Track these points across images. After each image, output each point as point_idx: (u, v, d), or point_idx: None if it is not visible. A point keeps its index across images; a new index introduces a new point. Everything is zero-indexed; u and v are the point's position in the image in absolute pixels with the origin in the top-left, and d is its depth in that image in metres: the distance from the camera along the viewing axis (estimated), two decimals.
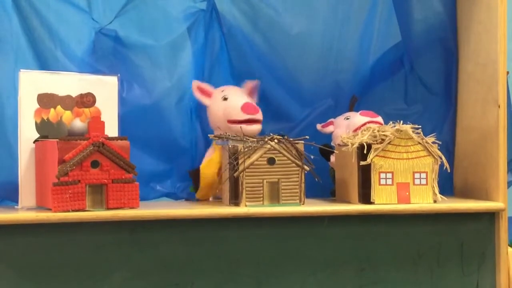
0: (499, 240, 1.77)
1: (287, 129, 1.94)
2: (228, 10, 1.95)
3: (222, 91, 1.87)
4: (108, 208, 1.60)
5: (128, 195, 1.61)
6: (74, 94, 1.73)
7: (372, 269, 1.73)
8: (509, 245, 1.79)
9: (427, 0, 1.99)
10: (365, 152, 1.71)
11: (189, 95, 1.91)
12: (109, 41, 1.88)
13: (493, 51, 1.79)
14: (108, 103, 1.74)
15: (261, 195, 1.67)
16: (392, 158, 1.72)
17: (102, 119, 1.64)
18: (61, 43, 1.85)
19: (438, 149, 1.74)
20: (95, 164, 1.59)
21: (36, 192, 1.68)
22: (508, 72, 1.79)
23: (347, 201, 1.78)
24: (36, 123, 1.69)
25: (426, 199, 1.73)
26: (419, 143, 1.73)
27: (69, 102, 1.72)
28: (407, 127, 1.72)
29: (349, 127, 1.86)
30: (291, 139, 1.69)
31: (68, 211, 1.57)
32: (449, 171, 1.78)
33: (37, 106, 1.69)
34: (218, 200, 1.85)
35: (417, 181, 1.73)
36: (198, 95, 1.88)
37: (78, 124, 1.73)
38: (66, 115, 1.72)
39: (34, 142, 1.69)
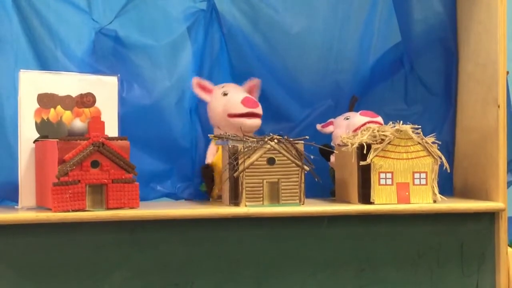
0: (499, 241, 1.77)
1: (287, 129, 1.94)
2: (228, 10, 1.95)
3: (222, 87, 1.88)
4: (108, 208, 1.60)
5: (128, 195, 1.61)
6: (74, 94, 1.73)
7: (372, 270, 1.73)
8: (509, 246, 1.79)
9: (427, 0, 1.99)
10: (365, 152, 1.71)
11: (189, 95, 1.91)
12: (109, 41, 1.88)
13: (493, 51, 1.79)
14: (108, 103, 1.74)
15: (261, 195, 1.67)
16: (392, 158, 1.72)
17: (102, 119, 1.64)
18: (61, 43, 1.85)
19: (438, 149, 1.74)
20: (95, 164, 1.59)
21: (36, 192, 1.68)
22: (508, 72, 1.79)
23: (347, 201, 1.78)
24: (36, 123, 1.69)
25: (426, 199, 1.73)
26: (419, 143, 1.73)
27: (69, 102, 1.72)
28: (407, 127, 1.72)
29: (349, 127, 1.86)
30: (291, 139, 1.69)
31: (68, 211, 1.57)
32: (449, 171, 1.78)
33: (37, 106, 1.69)
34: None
35: (417, 181, 1.73)
36: (198, 92, 1.88)
37: (78, 124, 1.73)
38: (66, 115, 1.72)
39: (34, 142, 1.69)
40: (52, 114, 1.71)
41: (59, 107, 1.71)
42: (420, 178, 1.73)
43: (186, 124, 1.92)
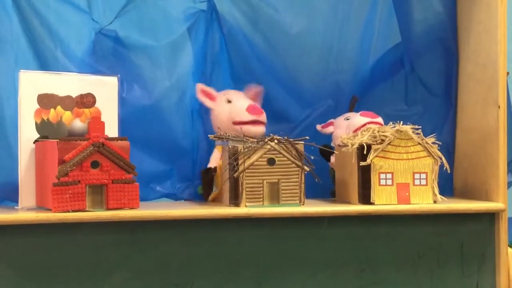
0: (499, 241, 1.77)
1: (287, 130, 1.94)
2: (228, 10, 1.95)
3: (224, 94, 1.88)
4: (108, 209, 1.60)
5: (128, 195, 1.61)
6: (74, 94, 1.73)
7: (372, 270, 1.73)
8: (509, 246, 1.79)
9: (427, 0, 1.99)
10: (365, 152, 1.70)
11: (190, 95, 1.91)
12: (109, 42, 1.88)
13: (493, 52, 1.79)
14: (108, 103, 1.74)
15: (261, 196, 1.67)
16: (392, 158, 1.72)
17: (102, 120, 1.64)
18: (61, 43, 1.85)
19: (438, 149, 1.74)
20: (95, 164, 1.59)
21: (36, 192, 1.68)
22: (508, 73, 1.78)
23: (347, 201, 1.78)
24: (36, 123, 1.69)
25: (426, 199, 1.73)
26: (419, 143, 1.73)
27: (69, 103, 1.72)
28: (407, 128, 1.72)
29: (349, 128, 1.86)
30: (291, 139, 1.69)
31: (68, 211, 1.56)
32: (449, 171, 1.78)
33: (37, 106, 1.69)
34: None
35: (417, 182, 1.73)
36: (202, 98, 1.88)
37: (78, 124, 1.73)
38: (66, 115, 1.72)
39: (34, 143, 1.69)
40: (52, 114, 1.71)
41: (59, 107, 1.71)
42: (420, 179, 1.73)
43: (187, 124, 1.92)
